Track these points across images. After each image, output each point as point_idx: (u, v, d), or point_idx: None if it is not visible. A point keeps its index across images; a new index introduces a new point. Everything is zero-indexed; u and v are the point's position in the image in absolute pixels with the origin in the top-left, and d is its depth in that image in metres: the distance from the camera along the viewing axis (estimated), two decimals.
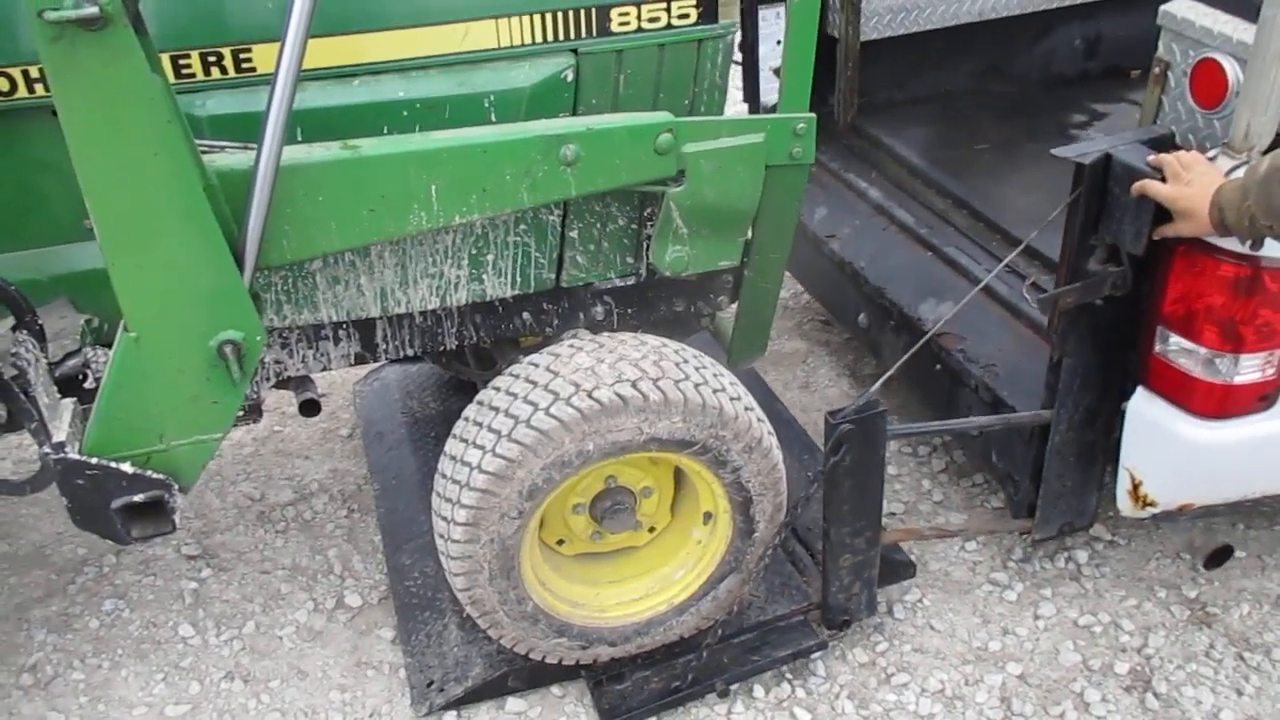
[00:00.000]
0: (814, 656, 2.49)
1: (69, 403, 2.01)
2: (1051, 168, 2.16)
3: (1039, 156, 3.03)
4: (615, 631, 2.30)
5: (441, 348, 2.36)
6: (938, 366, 2.68)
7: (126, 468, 1.92)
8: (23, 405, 1.91)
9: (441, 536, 2.09)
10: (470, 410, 2.10)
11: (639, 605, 2.32)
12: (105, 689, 2.48)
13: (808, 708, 2.39)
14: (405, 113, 2.05)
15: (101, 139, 1.64)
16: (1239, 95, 1.93)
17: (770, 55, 3.38)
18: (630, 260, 2.35)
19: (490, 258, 2.20)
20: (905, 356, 2.25)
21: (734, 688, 2.38)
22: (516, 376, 2.06)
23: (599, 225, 2.27)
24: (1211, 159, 1.95)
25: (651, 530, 2.37)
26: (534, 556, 2.21)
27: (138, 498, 1.95)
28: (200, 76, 1.98)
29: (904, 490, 3.00)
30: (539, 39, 2.08)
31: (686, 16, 2.13)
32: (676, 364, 2.06)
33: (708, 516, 2.29)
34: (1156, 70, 2.16)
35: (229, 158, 1.85)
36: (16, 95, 1.90)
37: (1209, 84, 2.03)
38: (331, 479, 3.11)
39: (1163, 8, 2.13)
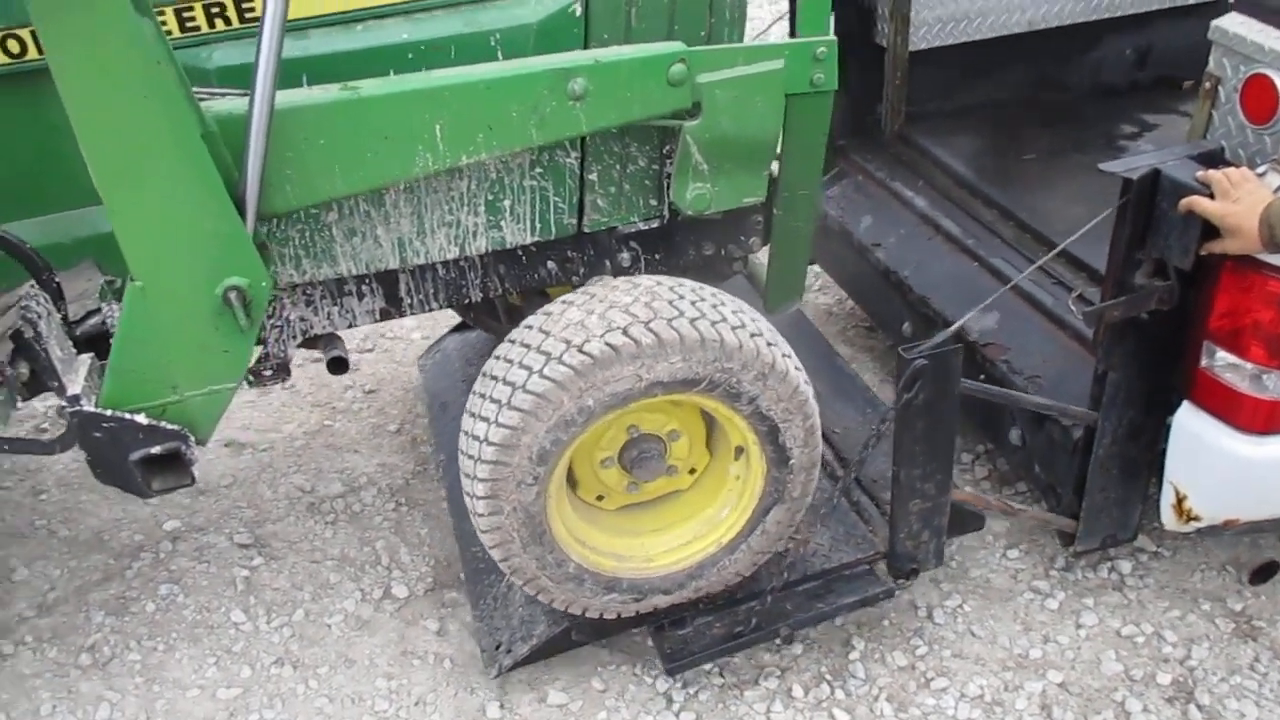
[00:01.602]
0: (853, 658, 2.52)
1: (86, 358, 2.04)
2: (1099, 180, 2.16)
3: (1087, 167, 3.03)
4: (667, 579, 2.29)
5: (466, 300, 2.34)
6: (981, 377, 2.69)
7: (142, 419, 1.95)
8: (44, 363, 1.95)
9: (471, 512, 2.13)
10: (477, 382, 2.11)
11: (688, 550, 2.31)
12: (160, 671, 2.56)
13: (846, 709, 2.41)
14: (410, 55, 2.05)
15: (89, 82, 1.64)
16: None
17: None
18: (653, 202, 2.31)
19: (507, 203, 2.17)
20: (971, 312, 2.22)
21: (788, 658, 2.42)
22: (514, 342, 2.06)
23: (619, 166, 2.22)
24: (1261, 174, 1.96)
25: (692, 472, 2.35)
26: (566, 517, 2.22)
27: (155, 450, 1.98)
28: (205, 29, 2.01)
29: None
30: None
31: None
32: (670, 302, 2.02)
33: (739, 451, 2.26)
34: (1207, 85, 2.17)
35: (228, 103, 1.84)
36: (28, 57, 1.95)
37: (1260, 99, 2.04)
38: (380, 472, 3.18)
39: (1214, 23, 2.14)
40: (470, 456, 2.06)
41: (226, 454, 3.28)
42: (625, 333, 1.96)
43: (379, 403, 3.51)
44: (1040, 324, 2.69)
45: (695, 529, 2.33)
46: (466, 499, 2.13)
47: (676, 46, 2.02)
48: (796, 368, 2.14)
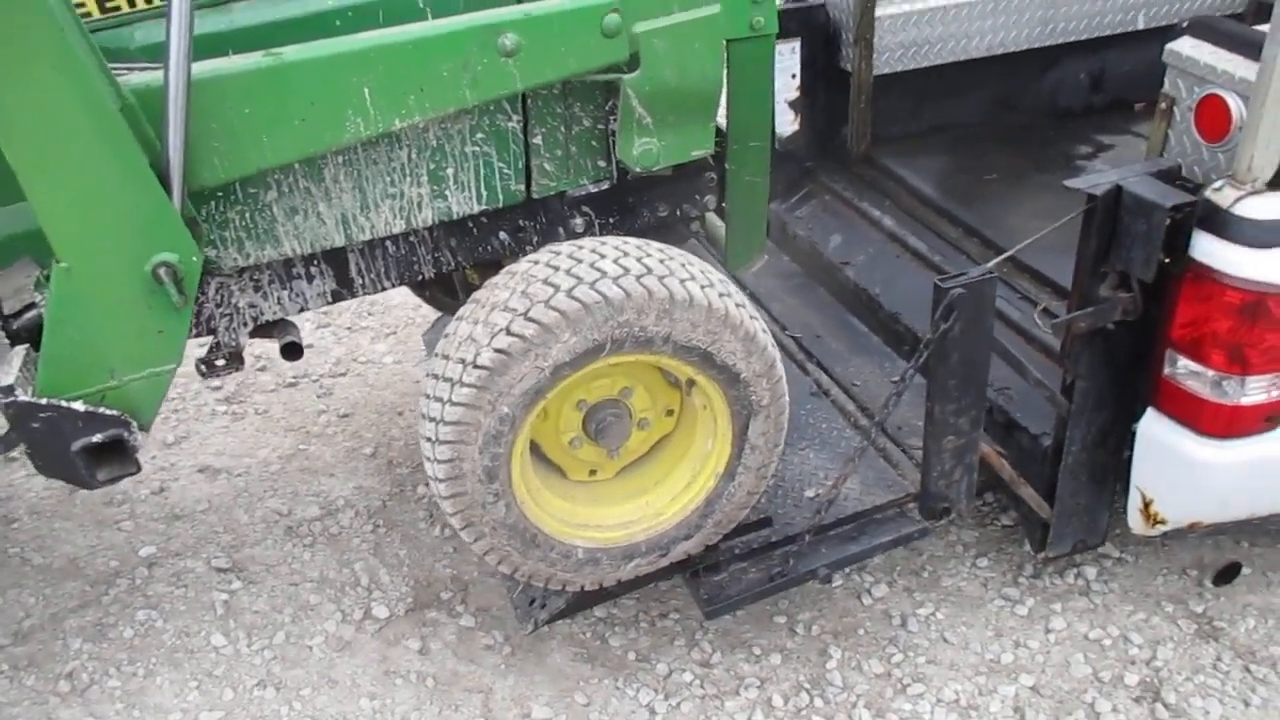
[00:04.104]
0: (830, 666, 2.56)
1: (20, 349, 1.99)
2: (1060, 197, 2.24)
3: (1047, 186, 3.13)
4: (683, 525, 2.28)
5: (419, 276, 2.33)
6: None
7: (79, 406, 1.90)
8: None
9: (464, 541, 2.15)
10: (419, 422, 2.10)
11: (691, 490, 2.29)
12: (140, 696, 2.54)
13: (826, 716, 2.46)
14: (338, 22, 2.06)
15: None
16: (1242, 130, 2.03)
17: (785, 88, 3.48)
18: (602, 164, 2.29)
19: (450, 171, 2.16)
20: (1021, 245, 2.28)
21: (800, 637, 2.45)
22: (430, 375, 2.06)
23: (563, 128, 2.21)
24: (1218, 189, 2.04)
25: (671, 413, 2.32)
26: (556, 512, 2.22)
27: (96, 438, 1.93)
28: (126, 9, 2.01)
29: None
30: None
31: None
32: (545, 281, 1.95)
33: (690, 384, 2.22)
34: (1163, 105, 2.26)
35: (145, 76, 1.81)
36: None
37: (1213, 119, 2.13)
38: (357, 495, 3.18)
39: (1169, 46, 2.23)
40: (435, 493, 2.09)
41: (201, 479, 3.27)
42: (508, 332, 1.92)
43: (353, 426, 3.51)
44: (1008, 337, 2.76)
45: (690, 468, 2.29)
46: (454, 530, 2.15)
47: None
48: (704, 287, 2.02)
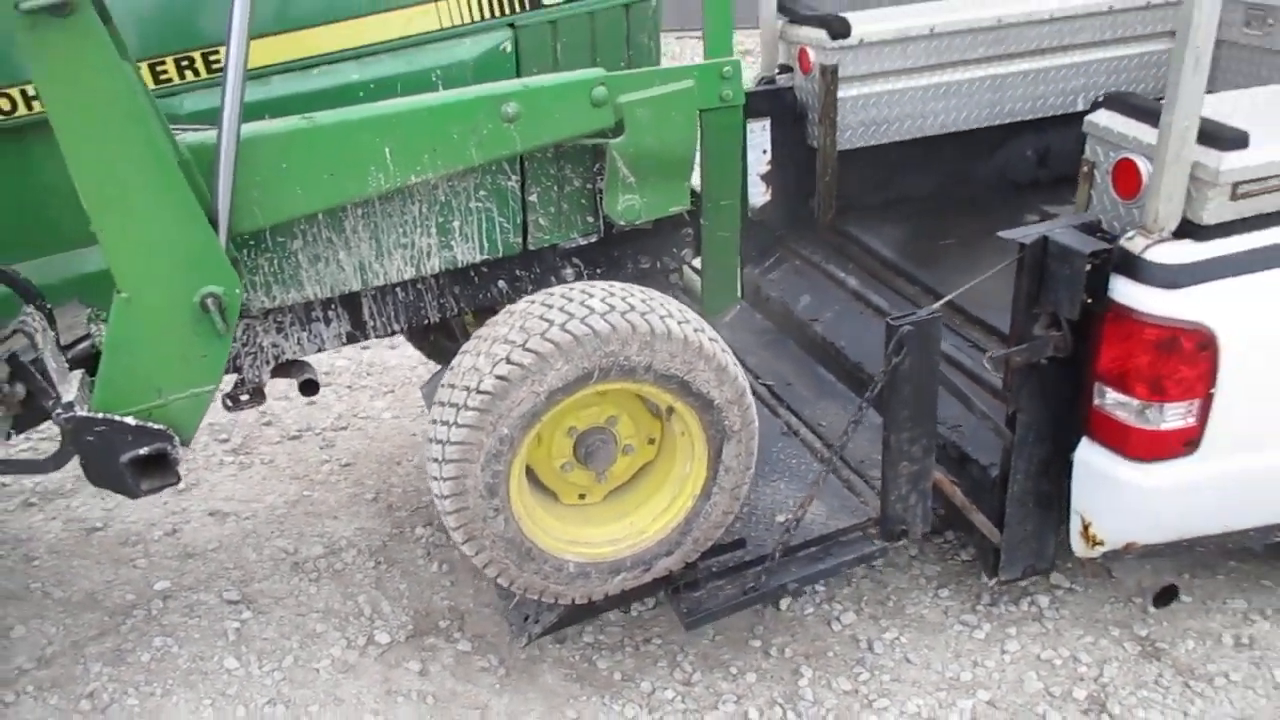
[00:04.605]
0: (802, 684, 2.76)
1: (78, 373, 2.24)
2: (1007, 256, 2.52)
3: (997, 250, 3.43)
4: (664, 542, 2.49)
5: (425, 320, 2.58)
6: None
7: (130, 421, 2.14)
8: (41, 378, 2.16)
9: (462, 554, 2.36)
10: (425, 446, 2.34)
11: (671, 510, 2.50)
12: (158, 713, 2.71)
13: None
14: (361, 94, 2.35)
15: (77, 113, 1.90)
16: (1149, 188, 2.33)
17: (758, 163, 3.80)
18: (590, 219, 2.58)
19: (456, 224, 2.44)
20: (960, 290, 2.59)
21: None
22: (436, 402, 2.29)
23: (556, 187, 2.51)
24: (1130, 239, 2.34)
25: (652, 442, 2.54)
26: (549, 529, 2.43)
27: (143, 450, 2.16)
28: (176, 80, 2.29)
29: None
30: (476, 18, 2.41)
31: None
32: (540, 317, 2.19)
33: (669, 411, 2.42)
34: (1085, 169, 2.57)
35: (199, 135, 2.09)
36: (17, 114, 2.21)
37: (1126, 179, 2.43)
38: (359, 536, 3.39)
39: (1088, 117, 2.55)
40: (440, 509, 2.31)
41: (211, 522, 3.48)
42: (508, 361, 2.16)
43: (355, 475, 3.73)
44: (960, 379, 3.03)
45: (671, 490, 2.51)
46: (455, 544, 2.37)
47: (597, 72, 2.36)
48: (680, 322, 2.26)
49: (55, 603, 3.10)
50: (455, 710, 2.71)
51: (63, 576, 3.21)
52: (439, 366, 3.67)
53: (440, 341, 3.10)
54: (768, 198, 3.88)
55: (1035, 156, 4.11)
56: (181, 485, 3.62)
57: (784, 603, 3.05)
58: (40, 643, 2.94)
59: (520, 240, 2.57)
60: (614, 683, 2.79)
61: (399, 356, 4.56)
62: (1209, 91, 2.26)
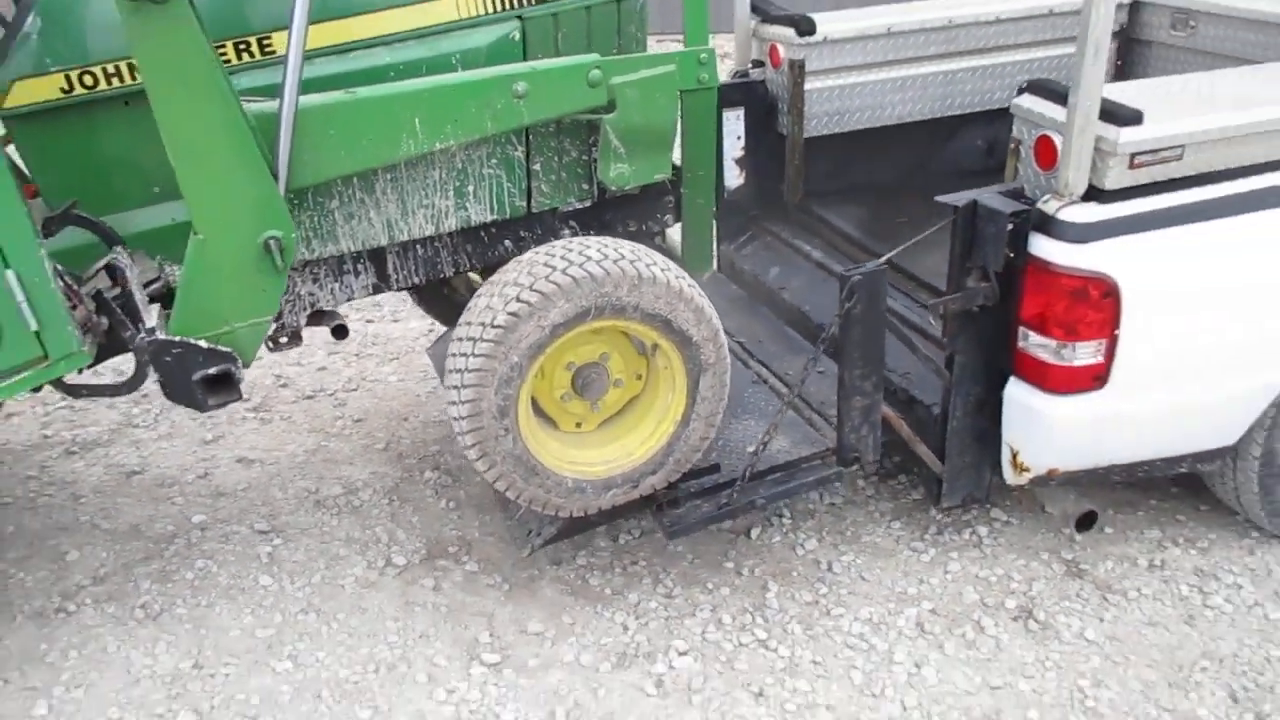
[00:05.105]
0: (769, 597, 3.16)
1: (154, 307, 2.64)
2: (945, 221, 2.92)
3: (946, 228, 3.84)
4: (650, 462, 2.87)
5: (442, 274, 2.99)
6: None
7: (203, 344, 2.54)
8: (119, 318, 2.54)
9: (476, 470, 2.75)
10: (445, 376, 2.70)
11: (656, 434, 2.87)
12: (204, 620, 3.08)
13: (765, 629, 3.05)
14: (391, 74, 2.74)
15: (170, 84, 2.29)
16: (1062, 158, 2.75)
17: (733, 148, 4.20)
18: (585, 186, 3.00)
19: (471, 189, 2.85)
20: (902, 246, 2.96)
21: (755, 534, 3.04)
22: (454, 338, 2.66)
23: (556, 158, 2.92)
24: (1045, 202, 2.75)
25: (639, 377, 2.91)
26: (552, 450, 2.80)
27: (212, 370, 2.56)
28: (234, 61, 2.66)
29: (841, 485, 3.70)
30: (489, 10, 2.82)
31: None
32: (544, 263, 2.56)
33: (655, 348, 2.80)
34: (1013, 146, 2.98)
35: (262, 105, 2.50)
36: (99, 88, 2.57)
37: (1045, 153, 2.84)
38: (374, 478, 3.77)
39: (1014, 101, 2.97)
40: (457, 431, 2.69)
41: (239, 467, 3.84)
42: (518, 299, 2.53)
43: (366, 428, 4.11)
44: (909, 333, 3.44)
45: (656, 417, 2.90)
46: (469, 461, 2.75)
47: (593, 57, 2.77)
48: (663, 269, 2.64)
49: (103, 532, 3.46)
50: (465, 618, 3.10)
51: (108, 511, 3.57)
52: (444, 330, 4.06)
53: (454, 297, 3.49)
54: (742, 180, 4.29)
55: (984, 145, 4.53)
56: (209, 436, 4.02)
57: (754, 531, 3.45)
58: (93, 564, 3.31)
59: (525, 204, 2.97)
60: (605, 596, 3.18)
61: (401, 329, 4.94)
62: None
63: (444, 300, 3.77)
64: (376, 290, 2.99)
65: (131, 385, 2.61)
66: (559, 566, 3.31)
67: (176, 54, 2.27)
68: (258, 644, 2.99)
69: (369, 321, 5.00)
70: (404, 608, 3.14)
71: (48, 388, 2.63)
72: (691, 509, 3.00)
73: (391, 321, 5.00)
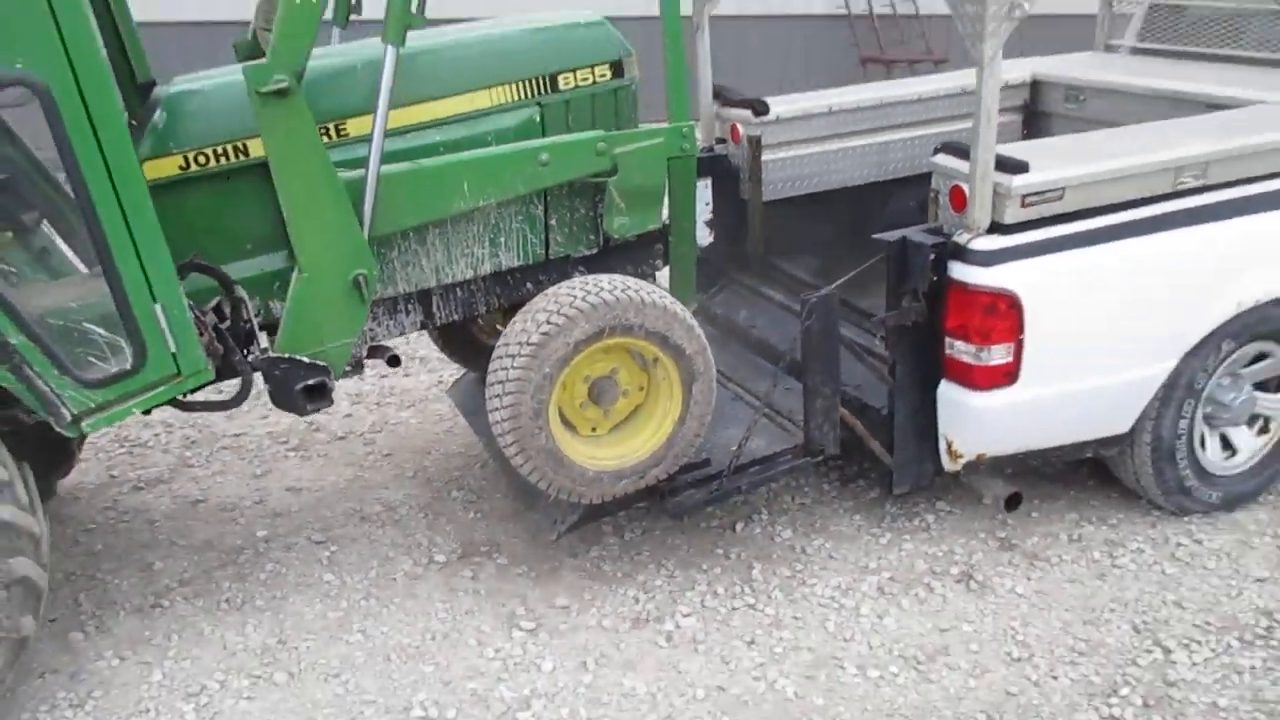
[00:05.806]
0: (754, 574, 3.78)
1: (263, 333, 3.27)
2: (881, 254, 3.64)
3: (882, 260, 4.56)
4: (654, 456, 3.46)
5: (476, 312, 3.66)
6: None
7: (304, 360, 3.16)
8: (230, 345, 3.15)
9: (515, 467, 3.37)
10: (487, 387, 3.31)
11: (658, 433, 3.46)
12: (281, 608, 3.65)
13: (753, 596, 3.67)
14: (441, 149, 3.40)
15: (289, 157, 2.97)
16: (970, 201, 3.49)
17: (702, 213, 4.92)
18: (592, 236, 3.67)
19: (502, 239, 3.53)
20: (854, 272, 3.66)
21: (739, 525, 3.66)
22: (495, 356, 3.28)
23: (569, 214, 3.60)
24: (958, 235, 3.48)
25: (642, 389, 3.51)
26: (575, 447, 3.41)
27: (311, 381, 3.18)
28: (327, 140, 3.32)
29: (809, 489, 4.35)
30: (515, 99, 3.51)
31: (605, 76, 3.57)
32: (567, 292, 3.19)
33: (655, 360, 3.39)
34: (933, 195, 3.73)
35: (350, 173, 3.14)
36: (219, 164, 3.19)
37: (958, 199, 3.58)
38: (408, 498, 4.36)
39: (930, 159, 3.73)
40: (499, 432, 3.32)
41: (289, 495, 4.43)
42: (548, 322, 3.14)
43: (395, 461, 4.71)
44: (861, 352, 4.14)
45: (658, 419, 3.53)
46: (509, 457, 3.38)
47: (599, 132, 3.51)
48: (660, 296, 3.29)
49: (181, 547, 4.02)
50: (502, 598, 3.69)
51: (182, 531, 4.13)
52: (458, 374, 4.70)
53: (478, 341, 4.17)
54: (711, 239, 5.00)
55: (916, 205, 5.24)
56: (259, 471, 4.60)
57: (738, 525, 4.09)
58: (177, 571, 3.86)
59: (544, 251, 3.66)
60: (617, 578, 3.79)
61: (413, 382, 5.58)
62: None
63: (468, 344, 4.40)
64: (422, 327, 3.64)
65: (236, 401, 3.23)
66: (576, 558, 3.91)
67: (294, 135, 2.96)
68: (330, 623, 3.56)
69: (383, 376, 5.62)
70: (449, 593, 3.72)
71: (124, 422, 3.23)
72: (688, 495, 3.64)
73: (404, 376, 5.63)
